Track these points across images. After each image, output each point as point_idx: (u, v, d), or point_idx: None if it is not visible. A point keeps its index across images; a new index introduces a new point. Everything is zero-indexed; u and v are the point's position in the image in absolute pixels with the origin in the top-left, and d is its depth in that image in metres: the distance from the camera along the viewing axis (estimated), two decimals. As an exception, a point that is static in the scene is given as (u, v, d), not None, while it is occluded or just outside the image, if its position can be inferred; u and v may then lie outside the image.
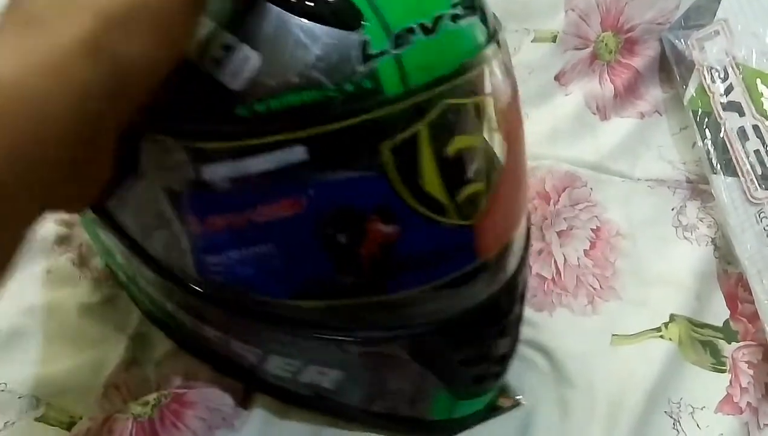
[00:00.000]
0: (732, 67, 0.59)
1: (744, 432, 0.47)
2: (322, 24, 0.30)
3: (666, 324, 0.51)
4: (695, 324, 0.52)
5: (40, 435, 0.43)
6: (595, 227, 0.57)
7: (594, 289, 0.54)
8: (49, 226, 0.52)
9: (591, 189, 0.60)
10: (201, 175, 0.31)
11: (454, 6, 0.32)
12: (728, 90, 0.58)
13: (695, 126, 0.60)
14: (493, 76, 0.36)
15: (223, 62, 0.30)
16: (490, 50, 0.35)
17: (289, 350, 0.38)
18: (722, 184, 0.55)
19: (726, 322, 0.52)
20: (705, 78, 0.61)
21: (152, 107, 0.29)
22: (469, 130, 0.34)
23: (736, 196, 0.54)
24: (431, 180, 0.32)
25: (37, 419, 0.44)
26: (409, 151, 0.32)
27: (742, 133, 0.56)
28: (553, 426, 0.47)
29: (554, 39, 0.67)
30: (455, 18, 0.32)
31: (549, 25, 0.67)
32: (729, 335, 0.52)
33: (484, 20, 0.35)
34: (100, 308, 0.49)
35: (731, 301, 0.53)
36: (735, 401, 0.48)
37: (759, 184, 0.53)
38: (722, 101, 0.59)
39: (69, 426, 0.44)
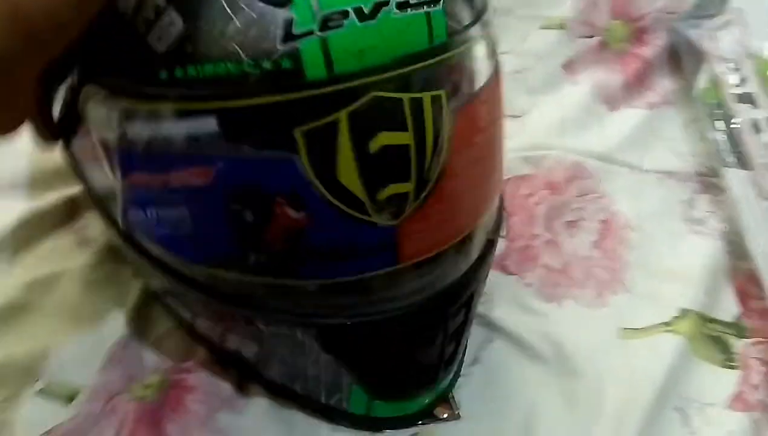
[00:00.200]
0: (745, 58, 0.58)
1: (754, 429, 0.46)
2: None
3: (676, 318, 0.50)
4: (705, 319, 0.51)
5: (41, 408, 0.43)
6: (603, 219, 0.56)
7: (602, 281, 0.52)
8: (53, 205, 0.52)
9: (599, 180, 0.59)
10: (125, 131, 0.32)
11: None
12: (741, 81, 0.57)
13: (706, 118, 0.59)
14: (450, 74, 0.33)
15: (152, 24, 0.30)
16: (450, 47, 0.32)
17: (210, 315, 0.39)
18: (734, 178, 0.54)
19: (737, 318, 0.51)
20: (716, 69, 0.59)
21: (90, 57, 0.31)
22: (399, 127, 0.31)
23: (749, 190, 0.53)
24: (348, 173, 0.31)
25: (38, 392, 0.44)
26: (325, 139, 0.30)
27: (755, 126, 0.55)
28: (559, 418, 0.45)
29: (562, 26, 0.65)
30: (403, 6, 0.30)
31: (557, 12, 0.66)
32: (740, 331, 0.51)
33: (447, 15, 0.32)
34: (101, 284, 0.49)
35: (742, 296, 0.52)
36: (745, 398, 0.47)
37: (772, 178, 0.52)
38: (734, 93, 0.58)
39: (69, 399, 0.43)
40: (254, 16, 0.29)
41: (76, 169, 0.40)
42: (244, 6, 0.29)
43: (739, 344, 0.50)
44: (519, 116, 0.63)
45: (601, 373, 0.47)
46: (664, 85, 0.66)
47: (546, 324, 0.50)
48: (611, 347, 0.49)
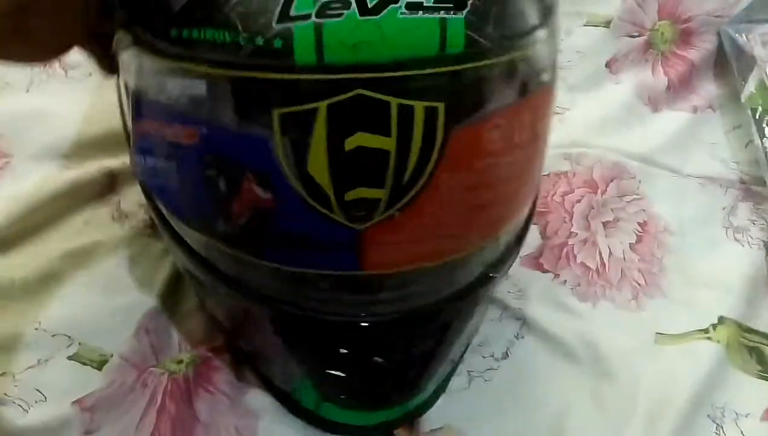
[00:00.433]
0: (796, 66, 0.57)
1: (789, 444, 0.45)
2: None
3: (714, 326, 0.49)
4: (743, 329, 0.50)
5: (72, 373, 0.43)
6: (642, 221, 0.55)
7: (639, 284, 0.52)
8: (90, 177, 0.52)
9: (639, 181, 0.58)
10: (139, 79, 0.33)
11: None
12: (791, 89, 0.56)
13: (753, 124, 0.58)
14: (460, 89, 0.30)
15: None
16: (465, 60, 0.30)
17: (191, 271, 0.40)
18: (779, 186, 0.53)
19: (776, 329, 0.50)
20: (766, 75, 0.58)
21: (126, 3, 0.32)
22: (381, 131, 0.29)
23: (794, 199, 0.52)
24: (318, 166, 0.30)
25: (70, 358, 0.44)
26: (301, 126, 0.29)
27: (804, 134, 0.54)
28: (590, 420, 0.45)
29: (608, 24, 0.64)
30: (414, 7, 0.28)
31: (603, 10, 0.65)
32: (777, 342, 0.50)
33: (473, 25, 0.29)
34: (135, 258, 0.49)
35: (782, 308, 0.51)
36: (781, 411, 0.46)
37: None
38: (784, 100, 0.56)
39: (100, 365, 0.44)
40: None
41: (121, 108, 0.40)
42: None
43: (776, 356, 0.49)
44: (559, 113, 0.62)
45: (635, 377, 0.46)
46: (709, 89, 0.64)
47: (580, 324, 0.49)
48: (646, 352, 0.48)
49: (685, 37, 0.65)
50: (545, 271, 0.52)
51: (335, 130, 0.29)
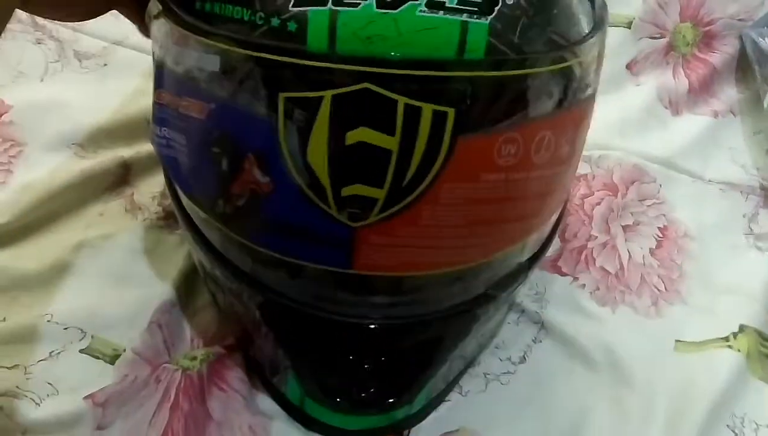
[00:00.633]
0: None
1: (810, 456, 0.45)
2: None
3: (735, 334, 0.49)
4: (764, 338, 0.49)
5: (84, 366, 0.43)
6: (662, 226, 0.55)
7: (659, 290, 0.51)
8: (104, 168, 0.52)
9: (660, 185, 0.57)
10: (162, 49, 0.33)
11: None
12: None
13: (775, 130, 0.57)
14: (476, 96, 0.29)
15: None
16: (484, 67, 0.29)
17: (203, 261, 0.40)
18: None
19: (797, 339, 0.50)
20: (790, 80, 0.57)
21: None
22: (384, 129, 0.28)
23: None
24: (317, 156, 0.29)
25: (82, 351, 0.44)
26: (305, 113, 0.29)
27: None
28: (607, 426, 0.44)
29: (629, 25, 0.64)
30: (435, 6, 0.28)
31: (625, 10, 0.64)
32: (799, 352, 0.49)
33: (497, 33, 0.28)
34: (147, 251, 0.48)
35: (804, 317, 0.50)
36: (801, 422, 0.46)
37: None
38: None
39: (113, 359, 0.43)
40: None
41: None
42: None
43: (797, 367, 0.48)
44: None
45: (654, 384, 0.46)
46: (730, 94, 0.63)
47: (598, 329, 0.48)
48: (665, 359, 0.48)
49: (706, 40, 0.64)
50: (564, 274, 0.51)
51: (338, 122, 0.28)
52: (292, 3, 0.28)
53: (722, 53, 0.64)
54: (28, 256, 0.47)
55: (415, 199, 0.30)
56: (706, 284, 0.52)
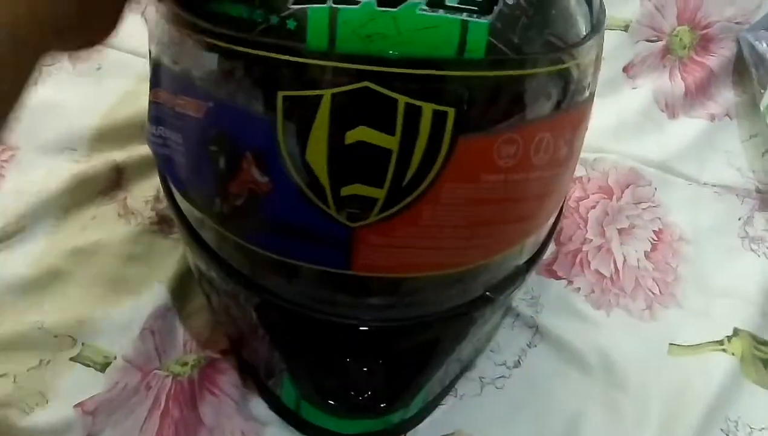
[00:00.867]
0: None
1: (804, 460, 0.44)
2: None
3: (729, 338, 0.49)
4: (758, 341, 0.49)
5: (74, 374, 0.43)
6: (657, 229, 0.54)
7: (653, 293, 0.51)
8: (98, 172, 0.52)
9: (655, 189, 0.57)
10: (158, 47, 0.33)
11: None
12: (812, 98, 0.55)
13: (771, 133, 0.57)
14: (476, 96, 0.29)
15: None
16: (483, 67, 0.29)
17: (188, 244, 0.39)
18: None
19: (791, 342, 0.50)
20: (787, 83, 0.57)
21: None
22: (384, 128, 0.28)
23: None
24: (316, 155, 0.29)
25: (72, 359, 0.43)
26: (304, 112, 0.28)
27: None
28: (602, 430, 0.44)
29: (626, 28, 0.63)
30: (435, 5, 0.27)
31: (622, 13, 0.64)
32: (793, 356, 0.49)
33: (498, 32, 0.28)
34: (141, 256, 0.48)
35: (798, 321, 0.50)
36: (796, 426, 0.46)
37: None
38: (804, 109, 0.55)
39: (103, 367, 0.43)
40: None
41: None
42: None
43: (792, 370, 0.48)
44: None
45: (649, 388, 0.46)
46: (726, 97, 0.63)
47: (593, 332, 0.48)
48: (660, 362, 0.48)
49: (703, 43, 0.64)
50: (559, 278, 0.51)
51: (338, 121, 0.28)
52: (291, 1, 0.28)
53: (719, 56, 0.64)
54: (20, 261, 0.47)
55: (415, 199, 0.30)
56: (701, 287, 0.52)
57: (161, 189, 0.40)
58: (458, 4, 0.28)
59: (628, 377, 0.46)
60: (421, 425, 0.43)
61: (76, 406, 0.40)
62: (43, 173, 0.51)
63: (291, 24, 0.28)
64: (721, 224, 0.56)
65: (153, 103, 0.34)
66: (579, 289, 0.50)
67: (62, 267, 0.47)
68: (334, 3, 0.27)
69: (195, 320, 0.46)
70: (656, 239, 0.54)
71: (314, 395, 0.39)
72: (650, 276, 0.52)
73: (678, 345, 0.48)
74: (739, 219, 0.56)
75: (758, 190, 0.58)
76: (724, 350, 0.48)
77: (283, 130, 0.29)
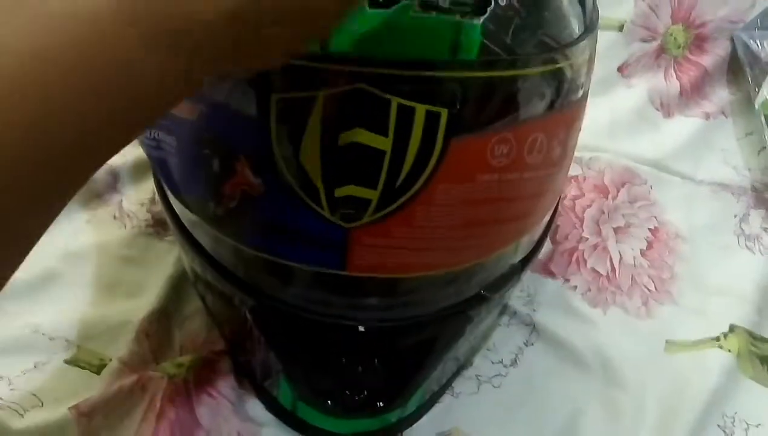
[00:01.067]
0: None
1: (802, 455, 0.44)
2: None
3: (725, 335, 0.49)
4: (755, 338, 0.49)
5: (69, 377, 0.43)
6: (653, 227, 0.54)
7: (649, 291, 0.51)
8: (91, 178, 0.51)
9: (651, 187, 0.57)
10: None
11: None
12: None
13: (765, 131, 0.57)
14: (469, 97, 0.29)
15: None
16: (476, 68, 0.29)
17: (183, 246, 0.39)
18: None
19: (788, 339, 0.50)
20: (781, 81, 0.57)
21: None
22: (378, 129, 0.28)
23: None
24: (311, 158, 0.29)
25: (67, 361, 0.43)
26: (298, 115, 0.28)
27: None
28: (599, 427, 0.44)
29: (621, 28, 0.64)
30: (427, 7, 0.27)
31: (616, 13, 0.64)
32: (789, 352, 0.49)
33: (491, 34, 0.28)
34: (136, 258, 0.48)
35: (795, 317, 0.50)
36: (793, 422, 0.46)
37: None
38: (798, 107, 0.55)
39: (99, 369, 0.43)
40: None
41: None
42: None
43: (788, 366, 0.48)
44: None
45: (645, 385, 0.46)
46: (721, 95, 0.64)
47: (590, 330, 0.48)
48: (656, 359, 0.48)
49: (698, 42, 0.64)
50: (555, 276, 0.51)
51: (331, 123, 0.28)
52: None
53: (713, 55, 0.64)
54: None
55: (408, 199, 0.30)
56: (697, 284, 0.52)
57: (156, 192, 0.40)
58: (451, 5, 0.28)
59: (625, 375, 0.46)
60: (418, 423, 0.43)
61: (71, 408, 0.40)
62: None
63: None
64: (716, 221, 0.56)
65: None
66: (575, 287, 0.50)
67: (57, 270, 0.47)
68: None
69: (190, 321, 0.46)
70: (652, 237, 0.54)
71: (310, 396, 0.39)
72: (646, 274, 0.52)
73: (675, 342, 0.48)
74: (735, 217, 0.56)
75: (754, 188, 0.58)
76: (720, 347, 0.48)
77: (277, 133, 0.29)
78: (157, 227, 0.50)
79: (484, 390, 0.45)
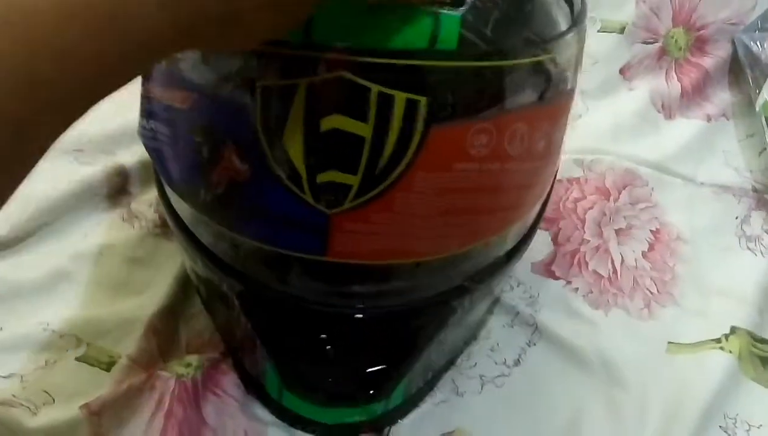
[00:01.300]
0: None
1: (802, 456, 0.45)
2: None
3: (726, 336, 0.49)
4: (756, 339, 0.49)
5: (80, 374, 0.43)
6: (654, 229, 0.55)
7: (651, 293, 0.51)
8: (102, 176, 0.52)
9: (652, 189, 0.57)
10: None
11: None
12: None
13: (766, 133, 0.58)
14: (449, 87, 0.30)
15: None
16: (455, 58, 0.29)
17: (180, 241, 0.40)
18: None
19: (789, 340, 0.50)
20: (782, 84, 0.58)
21: None
22: (358, 116, 0.29)
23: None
24: (293, 143, 0.29)
25: (78, 359, 0.44)
26: (281, 101, 0.29)
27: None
28: (601, 428, 0.45)
29: (622, 30, 0.64)
30: None
31: (618, 16, 0.64)
32: (790, 353, 0.49)
33: (470, 25, 0.29)
34: (145, 259, 0.49)
35: (796, 319, 0.51)
36: (794, 423, 0.46)
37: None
38: (799, 109, 0.56)
39: (108, 366, 0.44)
40: None
41: None
42: None
43: (789, 367, 0.48)
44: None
45: (647, 386, 0.46)
46: (722, 97, 0.64)
47: (592, 331, 0.48)
48: (658, 361, 0.48)
49: (699, 44, 0.64)
50: (557, 278, 0.51)
51: (313, 110, 0.29)
52: None
53: (715, 57, 0.64)
54: (26, 264, 0.47)
55: (388, 186, 0.30)
56: (699, 286, 0.52)
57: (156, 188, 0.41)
58: None
59: (627, 376, 0.46)
60: (422, 423, 0.44)
61: (82, 406, 0.41)
62: (49, 178, 0.51)
63: None
64: (718, 223, 0.56)
65: (144, 97, 0.35)
66: (577, 289, 0.51)
67: (67, 269, 0.47)
68: None
69: (196, 321, 0.47)
70: (653, 238, 0.54)
71: (294, 383, 0.39)
72: (648, 276, 0.52)
73: (676, 344, 0.49)
74: (736, 218, 0.57)
75: (755, 190, 0.58)
76: (722, 348, 0.48)
77: (261, 119, 0.29)
78: (165, 227, 0.50)
79: (488, 390, 0.46)
